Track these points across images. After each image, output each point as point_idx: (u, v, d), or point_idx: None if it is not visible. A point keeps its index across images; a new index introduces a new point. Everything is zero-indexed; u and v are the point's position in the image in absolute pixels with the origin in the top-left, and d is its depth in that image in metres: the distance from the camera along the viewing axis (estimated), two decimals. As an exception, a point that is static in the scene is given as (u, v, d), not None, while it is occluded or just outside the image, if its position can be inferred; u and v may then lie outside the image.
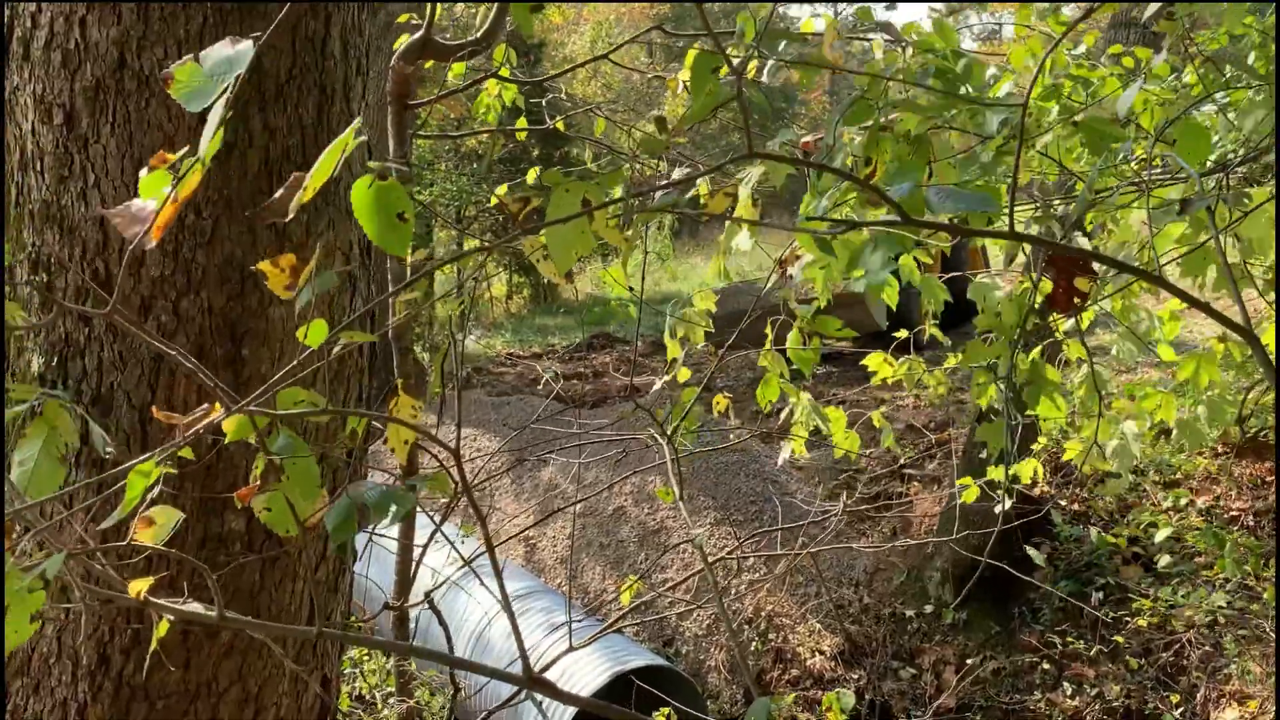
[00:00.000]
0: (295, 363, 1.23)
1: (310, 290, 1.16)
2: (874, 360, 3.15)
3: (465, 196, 15.34)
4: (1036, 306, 2.31)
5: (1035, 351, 2.56)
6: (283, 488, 1.19)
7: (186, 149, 1.01)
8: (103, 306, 1.71)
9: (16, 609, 0.99)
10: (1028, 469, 3.31)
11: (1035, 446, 3.45)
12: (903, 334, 3.31)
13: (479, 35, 3.23)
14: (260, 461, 1.19)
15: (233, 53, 1.00)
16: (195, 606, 1.22)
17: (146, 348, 1.72)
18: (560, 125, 3.94)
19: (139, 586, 1.14)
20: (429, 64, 3.20)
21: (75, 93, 1.70)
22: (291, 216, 1.02)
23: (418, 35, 3.05)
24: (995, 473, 3.39)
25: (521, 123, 3.99)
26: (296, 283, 1.15)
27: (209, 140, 0.94)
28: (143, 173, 1.02)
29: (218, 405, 1.20)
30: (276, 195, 1.06)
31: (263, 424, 1.17)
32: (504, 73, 3.39)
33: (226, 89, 0.97)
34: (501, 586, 1.37)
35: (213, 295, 1.74)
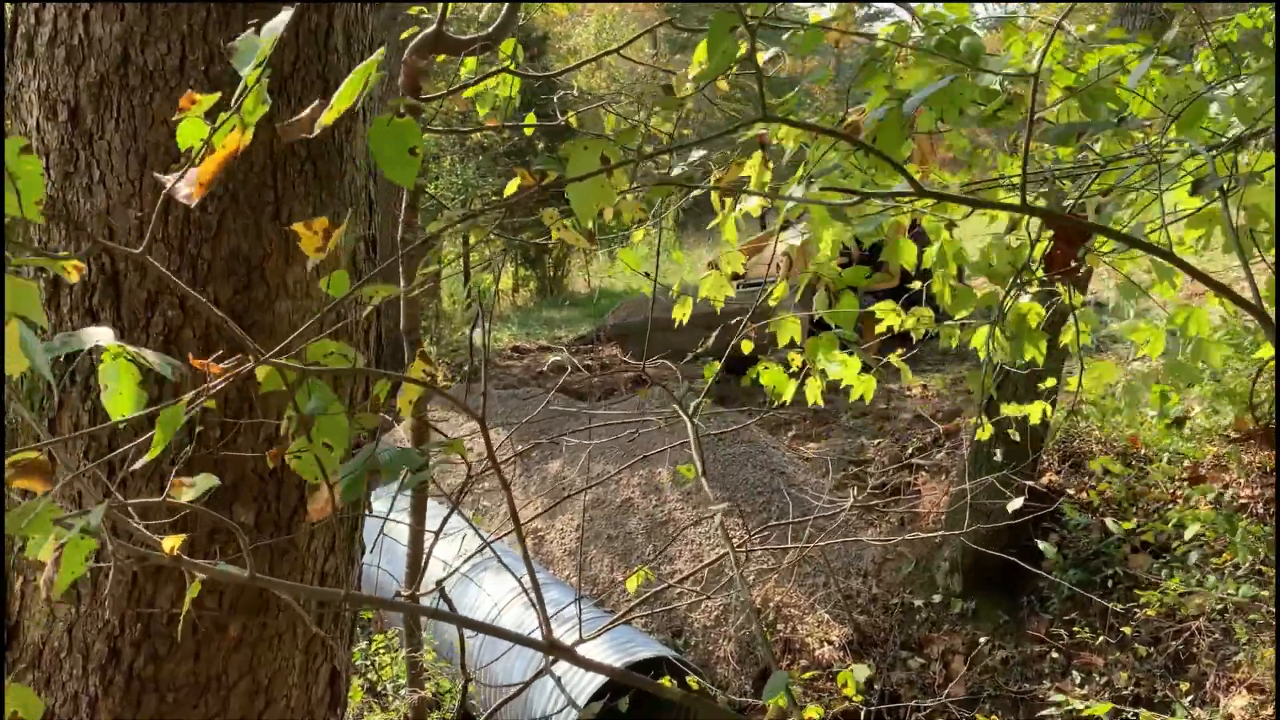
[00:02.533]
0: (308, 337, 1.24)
1: (322, 284, 1.17)
2: (883, 309, 3.03)
3: (471, 189, 15.34)
4: (1033, 265, 2.29)
5: (1028, 306, 2.52)
6: (313, 441, 1.21)
7: (219, 95, 1.01)
8: (110, 303, 1.72)
9: (71, 552, 1.01)
10: (1036, 410, 3.32)
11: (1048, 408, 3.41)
12: (916, 285, 3.15)
13: (491, 30, 3.23)
14: (290, 411, 1.21)
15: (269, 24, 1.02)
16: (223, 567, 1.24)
17: (155, 341, 1.73)
18: (573, 120, 3.93)
19: (172, 543, 1.15)
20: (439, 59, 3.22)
21: (79, 89, 1.70)
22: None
23: (430, 29, 3.05)
24: (1008, 409, 3.40)
25: (531, 118, 3.97)
26: (328, 245, 1.16)
27: (251, 97, 0.94)
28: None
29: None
30: (301, 114, 1.06)
31: (291, 378, 1.19)
32: (510, 66, 3.39)
33: (264, 57, 0.98)
34: (526, 555, 1.38)
35: (219, 289, 1.74)
